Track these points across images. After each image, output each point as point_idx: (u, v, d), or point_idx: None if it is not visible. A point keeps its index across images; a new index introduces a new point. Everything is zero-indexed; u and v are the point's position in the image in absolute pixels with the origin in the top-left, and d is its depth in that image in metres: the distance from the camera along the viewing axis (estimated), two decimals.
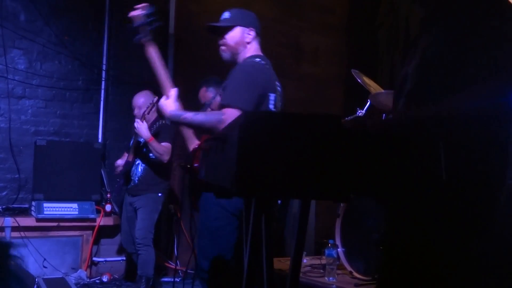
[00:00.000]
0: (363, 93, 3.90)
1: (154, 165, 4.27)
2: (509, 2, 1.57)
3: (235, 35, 2.69)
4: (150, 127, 4.24)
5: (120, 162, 4.42)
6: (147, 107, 4.20)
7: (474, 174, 1.53)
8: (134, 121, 4.20)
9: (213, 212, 2.66)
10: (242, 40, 2.70)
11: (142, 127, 4.09)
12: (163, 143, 4.19)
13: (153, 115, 4.39)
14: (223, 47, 2.72)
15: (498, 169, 1.56)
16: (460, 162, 1.50)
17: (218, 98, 3.80)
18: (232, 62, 2.74)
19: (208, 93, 4.14)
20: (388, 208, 1.70)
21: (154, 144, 4.11)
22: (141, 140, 4.24)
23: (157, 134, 4.24)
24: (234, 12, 2.73)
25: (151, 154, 4.22)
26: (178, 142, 4.73)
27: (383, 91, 3.70)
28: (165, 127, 4.40)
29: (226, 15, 2.74)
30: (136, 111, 4.34)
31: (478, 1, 1.57)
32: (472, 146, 1.54)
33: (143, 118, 4.13)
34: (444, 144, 1.32)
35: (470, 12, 1.55)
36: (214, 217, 2.66)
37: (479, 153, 1.54)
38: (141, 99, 4.38)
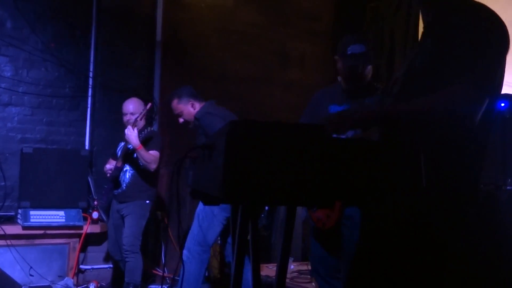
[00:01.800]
0: None
1: (142, 172, 4.27)
2: (496, 15, 1.61)
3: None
4: (138, 134, 4.24)
5: (109, 166, 4.41)
6: (140, 114, 4.21)
7: (452, 180, 1.57)
8: (123, 128, 4.20)
9: None
10: None
11: (132, 134, 4.09)
12: (151, 151, 4.19)
13: (141, 122, 4.40)
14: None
15: (473, 174, 1.61)
16: (439, 168, 1.54)
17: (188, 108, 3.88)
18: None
19: (180, 105, 4.00)
20: (368, 214, 1.73)
21: (142, 152, 4.12)
22: (131, 146, 4.24)
23: (145, 142, 4.24)
24: (367, 47, 2.87)
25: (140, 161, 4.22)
26: (166, 150, 4.77)
27: None
28: (154, 134, 4.41)
29: (361, 48, 2.83)
30: (127, 117, 4.33)
31: (465, 14, 1.62)
32: (451, 152, 1.58)
33: (134, 125, 4.13)
34: (424, 152, 1.36)
35: (456, 24, 1.60)
36: None
37: (458, 159, 1.58)
38: (131, 105, 4.38)
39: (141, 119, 4.21)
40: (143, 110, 4.24)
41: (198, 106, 3.94)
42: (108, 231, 4.53)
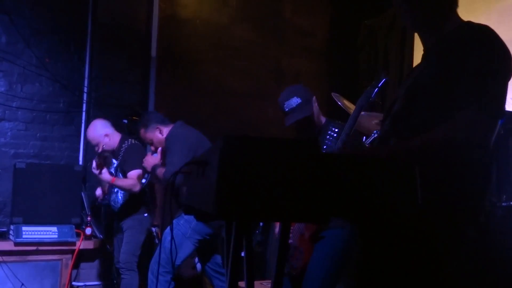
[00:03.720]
0: (344, 116, 3.95)
1: None
2: (499, 37, 1.60)
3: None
4: (117, 151, 4.19)
5: (99, 192, 4.38)
6: (102, 146, 4.13)
7: (451, 201, 1.55)
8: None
9: None
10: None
11: (100, 174, 4.03)
12: (130, 173, 4.09)
13: (117, 137, 4.31)
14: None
15: (476, 194, 1.59)
16: (438, 188, 1.53)
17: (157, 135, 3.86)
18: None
19: (148, 134, 3.94)
20: (363, 231, 1.71)
21: (119, 183, 4.06)
22: (112, 170, 4.20)
23: (124, 162, 4.17)
24: (302, 96, 2.89)
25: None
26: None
27: (363, 113, 3.74)
28: (133, 149, 4.25)
29: (296, 101, 2.88)
30: (96, 149, 4.27)
31: (472, 36, 1.59)
32: (453, 173, 1.56)
33: (98, 164, 4.01)
34: (420, 169, 1.35)
35: (464, 45, 1.57)
36: None
37: (460, 180, 1.56)
38: (91, 134, 4.31)
39: (104, 159, 4.09)
40: (102, 137, 4.19)
41: (165, 130, 3.85)
42: (114, 241, 4.50)
